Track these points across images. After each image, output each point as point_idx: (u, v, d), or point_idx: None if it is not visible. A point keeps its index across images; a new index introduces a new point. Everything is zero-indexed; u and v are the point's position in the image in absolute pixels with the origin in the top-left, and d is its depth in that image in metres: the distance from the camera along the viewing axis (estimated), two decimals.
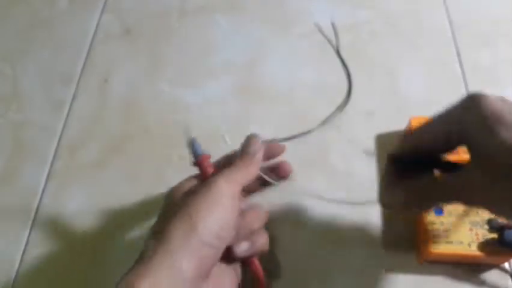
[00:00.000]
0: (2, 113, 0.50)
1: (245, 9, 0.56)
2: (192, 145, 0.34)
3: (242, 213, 0.32)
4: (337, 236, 0.40)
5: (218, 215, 0.28)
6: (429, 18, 0.54)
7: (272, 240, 0.35)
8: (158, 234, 0.28)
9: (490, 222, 0.37)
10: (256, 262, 0.33)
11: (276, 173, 0.36)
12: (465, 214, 0.38)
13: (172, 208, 0.30)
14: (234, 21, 0.55)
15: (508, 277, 0.38)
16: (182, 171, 0.44)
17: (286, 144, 0.45)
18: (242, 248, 0.31)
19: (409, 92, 0.48)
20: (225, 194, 0.29)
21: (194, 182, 0.33)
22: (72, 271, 0.40)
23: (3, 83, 0.53)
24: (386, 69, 0.50)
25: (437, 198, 0.28)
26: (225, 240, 0.29)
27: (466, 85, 0.48)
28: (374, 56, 0.51)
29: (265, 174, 0.35)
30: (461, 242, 0.37)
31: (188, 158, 0.34)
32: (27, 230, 0.42)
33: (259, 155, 0.33)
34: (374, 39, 0.52)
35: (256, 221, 0.33)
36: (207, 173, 0.33)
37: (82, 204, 0.43)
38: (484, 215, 0.38)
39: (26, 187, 0.45)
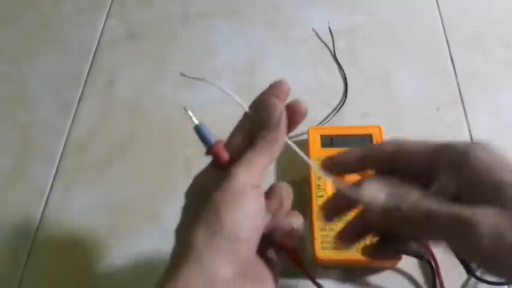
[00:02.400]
0: (10, 114, 0.51)
1: (245, 15, 0.58)
2: (200, 133, 0.29)
3: (274, 196, 0.29)
4: None
5: (244, 208, 0.25)
6: (422, 23, 0.55)
7: None
8: (184, 237, 0.25)
9: None
10: (296, 252, 0.31)
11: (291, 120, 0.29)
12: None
13: (194, 207, 0.27)
14: (234, 26, 0.57)
15: (402, 278, 0.38)
16: (187, 171, 0.46)
17: (284, 143, 0.46)
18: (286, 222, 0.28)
19: (403, 94, 0.49)
20: (246, 184, 0.26)
21: (212, 173, 0.28)
22: (77, 269, 0.41)
23: (11, 84, 0.54)
24: (381, 72, 0.51)
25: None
26: (256, 230, 0.26)
27: (459, 87, 0.49)
28: (369, 60, 0.52)
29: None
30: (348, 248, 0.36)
31: (197, 151, 0.29)
32: (34, 229, 0.43)
33: (283, 124, 0.27)
34: (369, 43, 0.54)
35: (289, 203, 0.30)
36: (223, 163, 0.28)
37: (88, 204, 0.44)
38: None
39: (33, 187, 0.46)
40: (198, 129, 0.29)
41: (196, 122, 0.29)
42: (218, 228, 0.24)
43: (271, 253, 0.29)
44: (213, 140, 0.29)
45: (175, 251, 0.26)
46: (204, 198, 0.26)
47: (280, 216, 0.29)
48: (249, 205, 0.25)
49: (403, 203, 0.24)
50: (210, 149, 0.29)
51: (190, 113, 0.29)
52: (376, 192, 0.25)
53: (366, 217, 0.28)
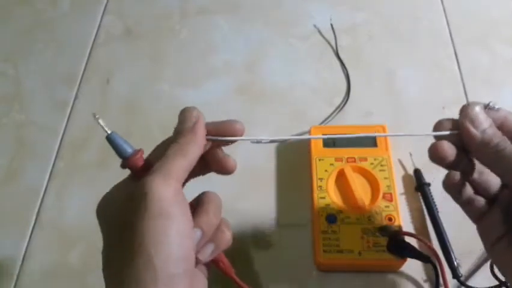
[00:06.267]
0: (5, 113, 0.51)
1: (245, 11, 0.57)
2: (114, 143, 0.25)
3: (200, 208, 0.26)
4: None
5: (171, 234, 0.22)
6: (427, 20, 0.54)
7: None
8: (116, 280, 0.23)
9: (381, 229, 0.36)
10: (223, 259, 0.28)
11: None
12: (357, 222, 0.37)
13: (117, 244, 0.24)
14: (234, 22, 0.56)
15: (406, 281, 0.37)
16: None
17: (286, 144, 0.46)
18: (207, 253, 0.25)
19: (407, 93, 0.48)
20: (167, 198, 0.23)
21: (130, 187, 0.25)
22: (72, 270, 0.40)
23: (6, 83, 0.53)
24: (384, 70, 0.50)
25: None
26: (191, 255, 0.24)
27: (464, 86, 0.49)
28: (372, 57, 0.52)
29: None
30: (351, 251, 0.36)
31: None
32: (30, 229, 0.43)
33: (199, 126, 0.26)
34: (372, 40, 0.53)
35: (218, 213, 0.27)
36: (140, 175, 0.25)
37: (84, 204, 0.44)
38: (377, 222, 0.37)
39: (28, 186, 0.45)
40: (110, 139, 0.25)
41: (108, 131, 0.25)
42: (152, 271, 0.21)
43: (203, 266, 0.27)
44: (129, 150, 0.26)
45: None
46: (125, 227, 0.23)
47: (210, 230, 0.26)
48: (176, 227, 0.22)
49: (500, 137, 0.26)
50: (126, 160, 0.25)
51: (101, 122, 0.25)
52: (484, 118, 0.26)
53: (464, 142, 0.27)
